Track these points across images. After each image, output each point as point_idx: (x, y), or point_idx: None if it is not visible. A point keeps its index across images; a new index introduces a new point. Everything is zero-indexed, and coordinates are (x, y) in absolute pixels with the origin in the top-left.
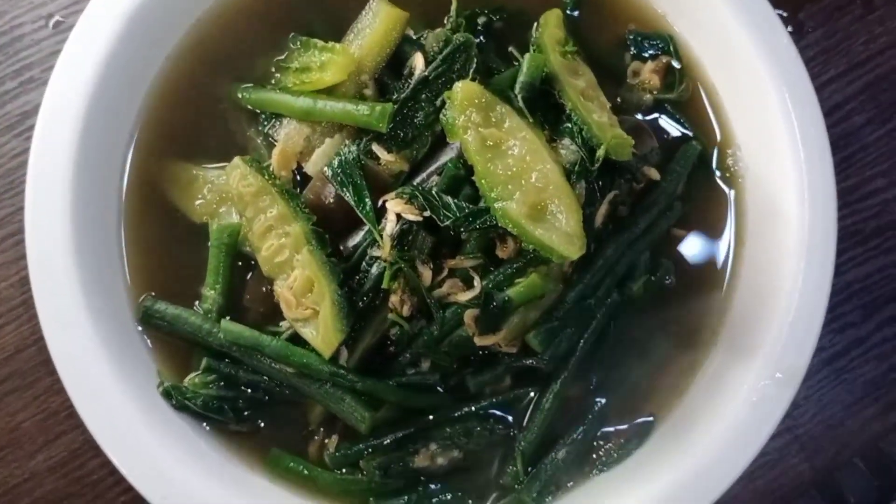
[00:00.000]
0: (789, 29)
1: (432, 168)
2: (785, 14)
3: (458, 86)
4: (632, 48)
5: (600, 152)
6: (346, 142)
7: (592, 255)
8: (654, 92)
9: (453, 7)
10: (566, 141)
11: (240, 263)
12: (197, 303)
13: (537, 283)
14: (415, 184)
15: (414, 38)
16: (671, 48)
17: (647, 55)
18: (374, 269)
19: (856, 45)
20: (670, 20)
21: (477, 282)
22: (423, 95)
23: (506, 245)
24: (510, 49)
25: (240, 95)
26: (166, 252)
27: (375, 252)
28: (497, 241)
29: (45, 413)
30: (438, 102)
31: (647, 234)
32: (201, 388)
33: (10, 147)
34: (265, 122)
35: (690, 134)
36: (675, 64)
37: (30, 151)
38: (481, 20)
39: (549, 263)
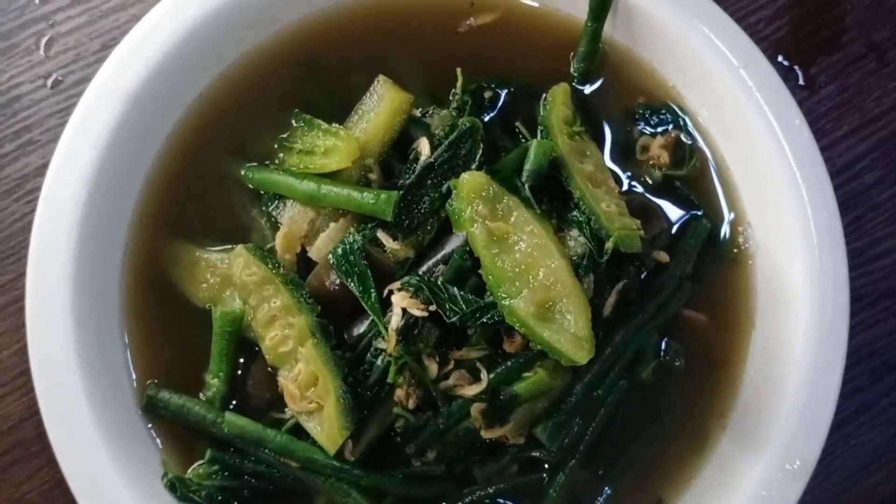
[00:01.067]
0: (801, 83)
1: (438, 256)
2: (797, 69)
3: (465, 177)
4: (641, 122)
5: (609, 245)
6: (351, 228)
7: (601, 343)
8: (663, 168)
9: (459, 82)
10: (574, 232)
11: (242, 360)
12: (201, 392)
13: (545, 380)
14: (420, 273)
15: (419, 116)
16: (681, 121)
17: (656, 130)
18: (380, 362)
19: (868, 100)
20: (680, 92)
21: (484, 375)
22: (429, 181)
23: (513, 339)
24: (517, 125)
25: (243, 174)
26: (168, 336)
27: (381, 344)
28: (504, 335)
29: (50, 483)
30: (444, 188)
31: (656, 318)
32: (206, 478)
33: (11, 211)
34: (269, 203)
35: (700, 212)
36: (685, 138)
37: (29, 219)
38: (487, 94)
39: None
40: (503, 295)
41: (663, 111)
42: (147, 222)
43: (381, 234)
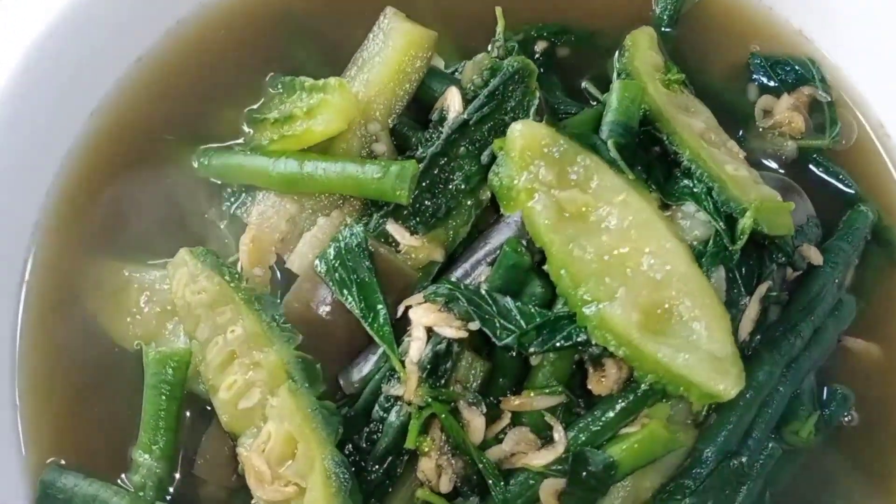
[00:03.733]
0: None
1: (480, 254)
2: None
3: (517, 128)
4: (758, 77)
5: (746, 222)
6: (349, 220)
7: None
8: (799, 137)
9: (500, 27)
10: (689, 207)
11: (189, 425)
12: (125, 475)
13: (659, 436)
14: (453, 279)
15: (445, 71)
16: (813, 76)
17: (780, 86)
18: (394, 417)
19: None
20: (809, 37)
21: (559, 434)
22: (463, 148)
23: (603, 373)
24: (584, 86)
25: (196, 162)
26: (80, 394)
27: (395, 389)
28: (590, 367)
29: None
30: (485, 158)
31: (811, 348)
32: None
33: None
34: (232, 199)
35: (855, 192)
36: (823, 96)
37: None
38: (540, 46)
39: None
40: (587, 298)
41: (789, 63)
42: (55, 233)
43: (392, 227)
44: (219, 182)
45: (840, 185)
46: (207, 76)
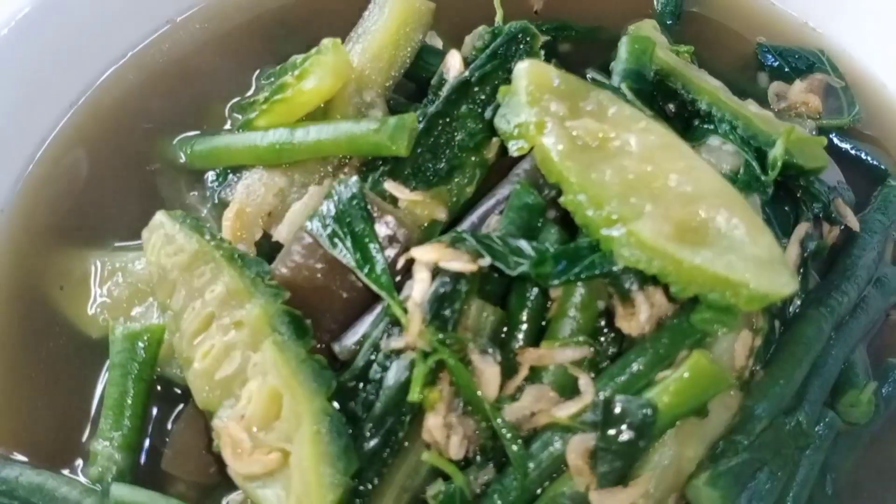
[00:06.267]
0: None
1: (489, 205)
2: None
3: (522, 66)
4: (768, 64)
5: (777, 152)
6: (341, 176)
7: (782, 338)
8: (817, 117)
9: (498, 16)
10: (714, 141)
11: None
12: (81, 463)
13: (704, 370)
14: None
15: (442, 49)
16: (826, 65)
17: (791, 73)
18: (393, 374)
19: None
20: (816, 28)
21: (585, 382)
22: (464, 107)
23: (632, 308)
24: (589, 75)
25: (181, 150)
26: (35, 385)
27: (396, 341)
28: (618, 305)
29: None
30: (488, 113)
31: (858, 315)
32: None
33: None
34: (217, 182)
35: (884, 168)
36: (838, 82)
37: None
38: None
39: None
40: (613, 218)
41: (796, 54)
42: (23, 221)
43: (390, 185)
44: (202, 170)
45: (868, 161)
46: (196, 71)
